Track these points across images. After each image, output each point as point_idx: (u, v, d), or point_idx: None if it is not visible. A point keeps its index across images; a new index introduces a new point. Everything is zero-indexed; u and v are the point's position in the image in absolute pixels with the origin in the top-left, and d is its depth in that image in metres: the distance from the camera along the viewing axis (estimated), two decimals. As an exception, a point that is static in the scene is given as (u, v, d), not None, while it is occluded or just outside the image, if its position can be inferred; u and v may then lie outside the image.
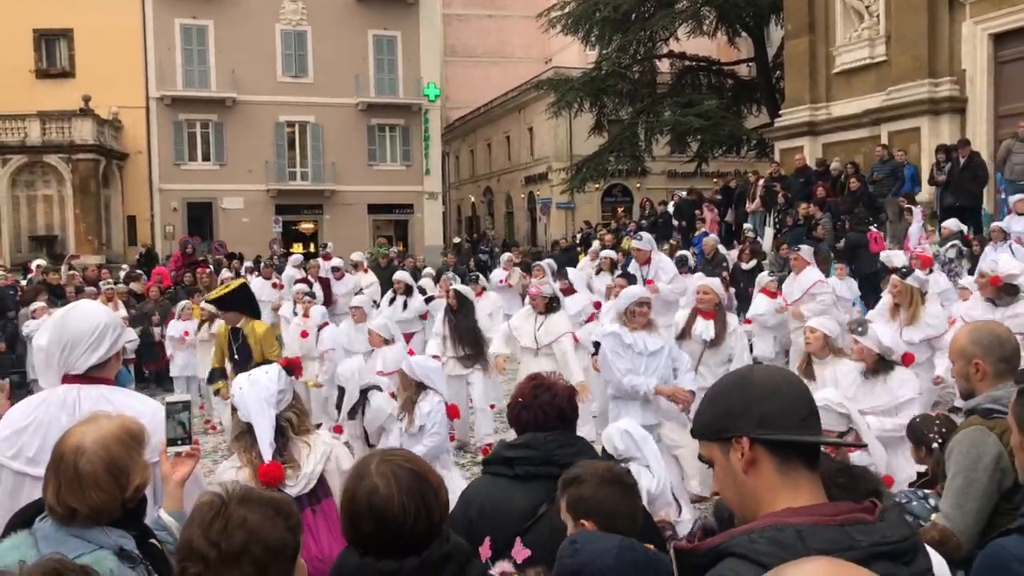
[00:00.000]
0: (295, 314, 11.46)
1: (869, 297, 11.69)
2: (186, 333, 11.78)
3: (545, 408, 3.19)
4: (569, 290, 10.42)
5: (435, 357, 7.37)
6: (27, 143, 29.11)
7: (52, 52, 32.45)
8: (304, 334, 10.27)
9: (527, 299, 9.33)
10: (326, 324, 10.40)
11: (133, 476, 2.31)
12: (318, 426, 5.54)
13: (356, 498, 2.09)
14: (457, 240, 35.22)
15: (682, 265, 11.36)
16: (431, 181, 36.53)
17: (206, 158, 33.89)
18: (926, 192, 16.42)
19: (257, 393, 3.26)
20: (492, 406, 9.20)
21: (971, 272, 10.49)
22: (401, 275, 13.51)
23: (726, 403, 1.70)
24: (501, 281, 14.15)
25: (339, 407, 7.05)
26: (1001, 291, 7.43)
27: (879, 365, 5.56)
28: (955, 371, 3.35)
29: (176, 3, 32.58)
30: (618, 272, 10.84)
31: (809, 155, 20.07)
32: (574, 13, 30.19)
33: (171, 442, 2.69)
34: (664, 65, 31.89)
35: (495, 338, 9.29)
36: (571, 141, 37.52)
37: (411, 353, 8.84)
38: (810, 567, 1.29)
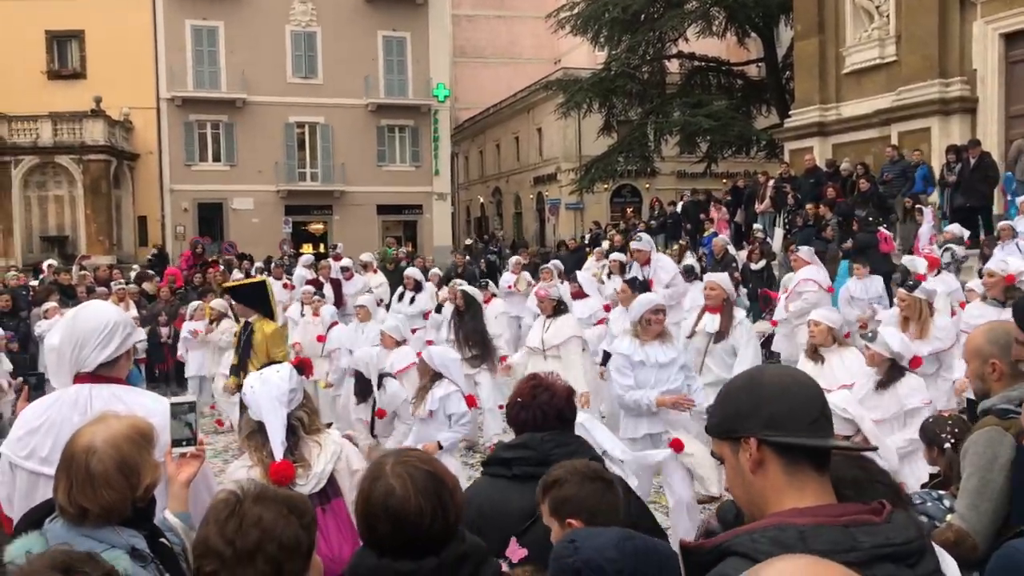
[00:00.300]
0: (302, 315, 11.51)
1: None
2: (196, 332, 11.84)
3: (544, 408, 3.20)
4: (579, 293, 10.43)
5: None
6: (39, 144, 29.24)
7: (64, 53, 32.60)
8: (321, 338, 10.32)
9: (534, 302, 9.36)
10: (335, 324, 10.46)
11: (144, 475, 2.32)
12: (328, 425, 5.57)
13: (372, 499, 2.10)
14: (469, 241, 35.24)
15: (689, 274, 11.34)
16: (440, 182, 36.56)
17: (216, 159, 34.00)
18: (935, 194, 16.34)
19: (269, 392, 3.27)
20: (500, 406, 9.22)
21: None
22: (411, 271, 13.74)
23: (735, 403, 1.71)
24: (510, 287, 14.16)
25: (357, 394, 7.14)
26: (1010, 290, 7.39)
27: (891, 373, 5.52)
28: (970, 371, 3.34)
29: (187, 4, 32.70)
30: (627, 276, 10.81)
31: (819, 156, 20.02)
32: (583, 14, 30.16)
33: (176, 443, 2.70)
34: (673, 65, 31.83)
35: (509, 335, 9.34)
36: (580, 141, 37.49)
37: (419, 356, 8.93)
38: (783, 564, 1.29)
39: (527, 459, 3.01)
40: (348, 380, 8.20)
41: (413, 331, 11.94)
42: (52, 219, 30.05)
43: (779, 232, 17.64)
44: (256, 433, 3.31)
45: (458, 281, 11.92)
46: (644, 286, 9.54)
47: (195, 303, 12.88)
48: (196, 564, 1.93)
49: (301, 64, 34.19)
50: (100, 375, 2.91)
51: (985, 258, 10.80)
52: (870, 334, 5.80)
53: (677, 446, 5.83)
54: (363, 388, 7.15)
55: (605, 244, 19.63)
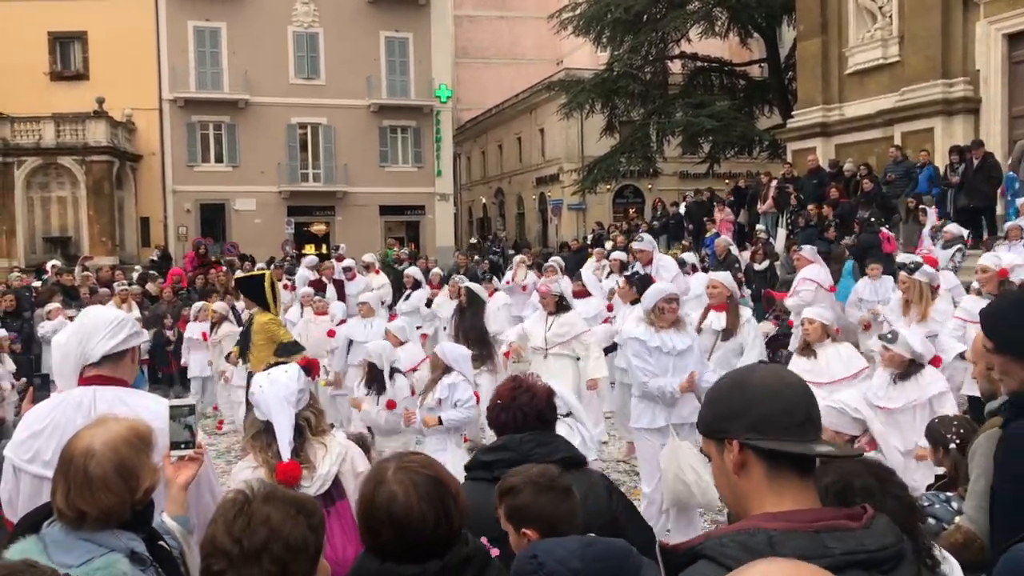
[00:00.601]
0: (302, 316, 11.52)
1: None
2: (204, 335, 11.84)
3: (524, 409, 3.22)
4: (583, 292, 10.42)
5: None
6: (41, 145, 29.28)
7: (66, 55, 32.65)
8: (331, 333, 10.32)
9: (537, 298, 9.34)
10: (343, 321, 10.49)
11: (143, 478, 2.31)
12: (331, 426, 5.56)
13: (375, 506, 2.08)
14: (474, 240, 35.25)
15: (681, 266, 11.37)
16: (442, 182, 36.57)
17: (219, 160, 34.02)
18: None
19: (277, 392, 3.26)
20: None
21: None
22: (412, 271, 13.93)
23: (721, 403, 1.71)
24: (508, 282, 14.19)
25: (368, 386, 7.17)
26: (1004, 284, 7.36)
27: (909, 368, 5.57)
28: (976, 371, 3.32)
29: (189, 5, 32.72)
30: (627, 273, 10.81)
31: (822, 156, 20.00)
32: (586, 14, 30.17)
33: (175, 445, 2.68)
34: (676, 66, 31.83)
35: (510, 330, 9.30)
36: (582, 142, 37.48)
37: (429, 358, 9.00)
38: (762, 567, 1.30)
39: (507, 461, 3.00)
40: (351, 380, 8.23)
41: (423, 336, 12.00)
42: (55, 220, 30.08)
43: (782, 232, 17.63)
44: (262, 433, 3.30)
45: (459, 277, 11.93)
46: (643, 281, 9.52)
47: (199, 304, 12.88)
48: (204, 562, 1.94)
49: (303, 65, 34.21)
50: (104, 376, 2.89)
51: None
52: (889, 335, 5.79)
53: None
54: (374, 380, 7.17)
55: (608, 244, 19.61)
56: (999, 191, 14.88)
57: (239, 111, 33.65)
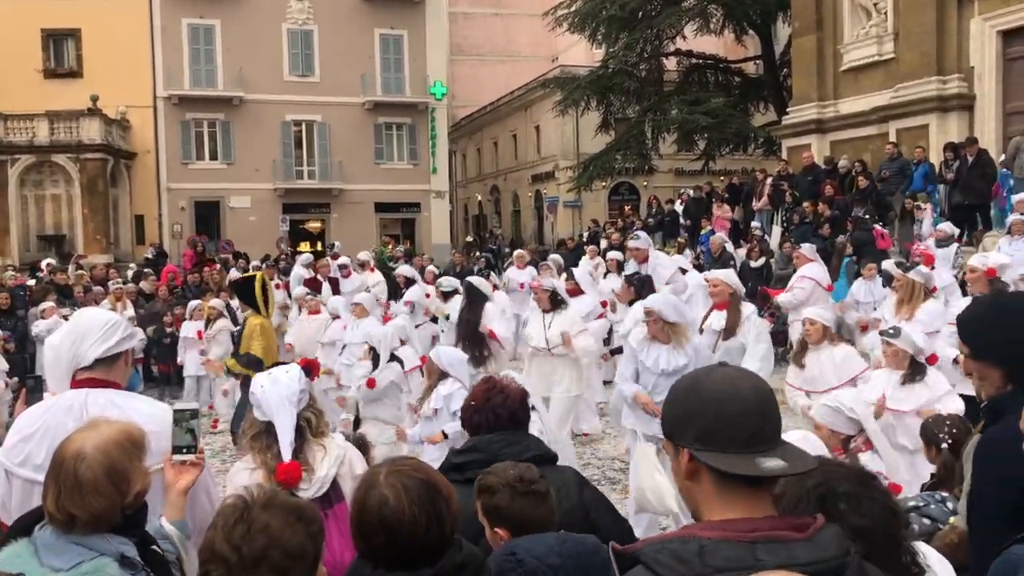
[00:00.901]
0: (299, 315, 11.51)
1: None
2: (199, 333, 11.81)
3: (497, 411, 3.25)
4: (576, 291, 10.39)
5: None
6: (35, 143, 29.20)
7: (60, 52, 32.55)
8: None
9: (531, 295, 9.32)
10: (338, 317, 10.44)
11: (133, 482, 2.30)
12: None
13: (366, 510, 2.08)
14: (470, 238, 35.23)
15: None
16: (438, 180, 36.54)
17: (213, 157, 33.96)
18: (942, 189, 16.32)
19: (279, 392, 3.25)
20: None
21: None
22: (403, 269, 13.87)
23: (676, 406, 1.70)
24: (522, 286, 13.90)
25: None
26: (993, 284, 7.36)
27: (915, 367, 5.61)
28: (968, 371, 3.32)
29: (183, 3, 32.65)
30: (626, 273, 10.77)
31: (817, 153, 20.03)
32: (581, 11, 30.15)
33: (177, 450, 2.66)
34: (671, 63, 31.84)
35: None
36: (578, 139, 37.47)
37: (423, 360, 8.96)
38: None
39: (478, 462, 3.02)
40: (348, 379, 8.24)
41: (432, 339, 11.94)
42: (49, 218, 30.01)
43: (777, 230, 17.66)
44: (262, 434, 3.29)
45: (443, 281, 11.84)
46: (644, 282, 9.49)
47: (194, 302, 12.86)
48: (203, 568, 1.93)
49: (298, 62, 34.15)
50: (97, 379, 2.87)
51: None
52: (891, 331, 5.80)
53: None
54: (374, 364, 7.23)
55: (604, 243, 19.61)
56: (994, 188, 14.90)
57: (234, 108, 33.58)
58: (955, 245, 12.19)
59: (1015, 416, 2.21)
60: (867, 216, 15.43)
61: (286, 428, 3.21)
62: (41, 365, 11.85)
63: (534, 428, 4.00)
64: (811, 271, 10.88)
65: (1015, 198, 12.64)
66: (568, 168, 35.88)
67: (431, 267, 15.55)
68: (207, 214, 33.78)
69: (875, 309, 10.95)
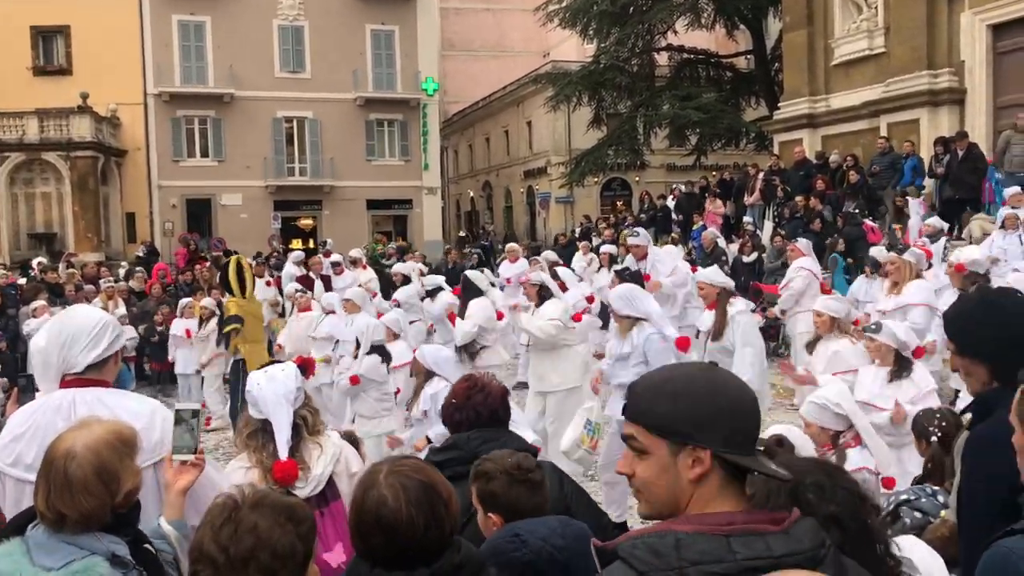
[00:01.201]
0: (291, 313, 11.50)
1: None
2: (188, 332, 11.78)
3: (478, 409, 3.28)
4: (561, 287, 10.39)
5: None
6: (25, 141, 29.03)
7: (49, 49, 32.38)
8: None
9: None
10: (332, 312, 10.41)
11: (124, 482, 2.30)
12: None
13: (364, 509, 2.08)
14: (463, 234, 35.18)
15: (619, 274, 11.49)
16: (430, 176, 36.49)
17: (204, 154, 33.85)
18: (930, 183, 16.38)
19: (276, 389, 3.25)
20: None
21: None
22: (398, 267, 13.86)
23: (693, 407, 1.62)
24: (508, 281, 13.90)
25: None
26: (968, 280, 7.37)
27: (901, 363, 5.58)
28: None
29: (173, -1, 32.55)
30: (616, 267, 10.79)
31: (808, 147, 20.06)
32: (572, 6, 30.13)
33: (177, 450, 2.66)
34: (662, 58, 31.84)
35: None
36: (570, 135, 37.47)
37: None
38: None
39: (458, 459, 3.06)
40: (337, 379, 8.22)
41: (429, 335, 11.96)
42: (39, 216, 29.87)
43: (769, 225, 17.69)
44: (258, 432, 3.29)
45: (426, 279, 11.87)
46: (633, 277, 9.52)
47: (184, 301, 12.83)
48: (191, 568, 1.94)
49: (289, 58, 34.05)
50: (86, 378, 2.87)
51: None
52: (873, 326, 5.82)
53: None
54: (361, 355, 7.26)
55: (596, 239, 19.62)
56: (984, 184, 14.94)
57: (224, 105, 33.47)
58: (944, 239, 12.22)
59: (1004, 412, 2.22)
60: (857, 211, 15.48)
61: (283, 426, 3.21)
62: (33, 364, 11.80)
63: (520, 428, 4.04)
64: (806, 263, 10.85)
65: (1007, 192, 12.62)
66: (560, 164, 35.88)
67: (419, 266, 15.50)
68: (198, 212, 33.69)
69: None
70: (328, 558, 3.07)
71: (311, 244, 32.82)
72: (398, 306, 11.78)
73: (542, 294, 8.23)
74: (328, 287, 14.60)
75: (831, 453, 4.18)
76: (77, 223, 29.32)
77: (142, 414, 2.79)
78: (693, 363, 1.82)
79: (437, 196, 37.42)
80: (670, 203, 22.85)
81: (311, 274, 15.08)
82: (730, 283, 7.72)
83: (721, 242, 15.75)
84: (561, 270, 10.44)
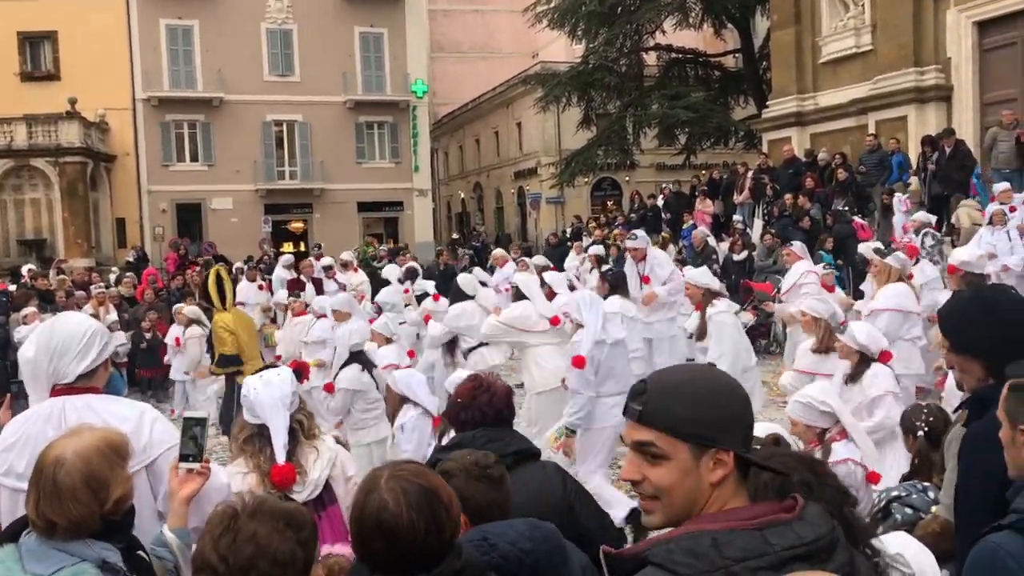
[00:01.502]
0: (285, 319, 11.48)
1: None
2: (177, 339, 11.77)
3: (483, 409, 3.29)
4: (549, 294, 10.38)
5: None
6: (13, 147, 28.91)
7: (36, 55, 32.25)
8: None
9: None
10: (323, 316, 10.38)
11: (113, 489, 2.30)
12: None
13: (365, 514, 2.08)
14: (455, 236, 35.12)
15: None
16: (420, 178, 36.47)
17: (194, 159, 33.76)
18: (915, 180, 16.47)
19: (272, 394, 3.25)
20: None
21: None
22: (388, 270, 13.83)
23: (715, 409, 1.63)
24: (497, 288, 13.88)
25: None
26: (964, 280, 7.41)
27: (859, 366, 5.56)
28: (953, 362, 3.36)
29: (161, 3, 32.40)
30: (605, 267, 10.80)
31: (797, 145, 20.11)
32: (560, 7, 30.14)
33: (183, 458, 2.66)
34: (651, 58, 31.85)
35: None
36: (559, 135, 37.48)
37: (411, 354, 8.96)
38: None
39: None
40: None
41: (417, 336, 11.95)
42: (29, 222, 29.75)
43: (758, 223, 17.74)
44: (254, 437, 3.29)
45: (419, 284, 11.87)
46: (618, 277, 9.55)
47: (177, 306, 12.82)
48: None
49: (278, 62, 33.99)
50: (77, 387, 2.87)
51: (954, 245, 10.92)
52: (842, 326, 5.86)
53: None
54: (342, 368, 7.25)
55: (587, 239, 19.65)
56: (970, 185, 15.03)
57: (214, 109, 33.39)
58: (926, 231, 12.23)
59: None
60: (847, 209, 15.54)
61: (280, 430, 3.22)
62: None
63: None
64: (802, 267, 10.67)
65: (997, 187, 12.67)
66: (550, 164, 35.91)
67: (409, 265, 15.44)
68: (189, 216, 33.58)
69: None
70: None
71: (302, 247, 32.78)
72: (378, 311, 11.77)
73: (517, 296, 8.18)
74: (320, 290, 14.59)
75: (817, 449, 4.22)
76: (67, 229, 29.21)
77: (129, 418, 2.79)
78: (697, 365, 1.84)
79: (428, 198, 37.40)
80: (660, 203, 22.89)
81: (302, 277, 15.05)
82: (714, 284, 7.76)
83: (711, 241, 15.79)
84: (548, 275, 10.40)
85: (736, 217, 18.19)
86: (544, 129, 38.14)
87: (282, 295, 12.17)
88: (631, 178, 35.93)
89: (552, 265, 13.38)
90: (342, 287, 14.51)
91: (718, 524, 1.54)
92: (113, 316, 13.67)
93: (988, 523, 2.19)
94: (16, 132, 28.97)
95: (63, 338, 2.87)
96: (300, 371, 3.59)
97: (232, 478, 3.20)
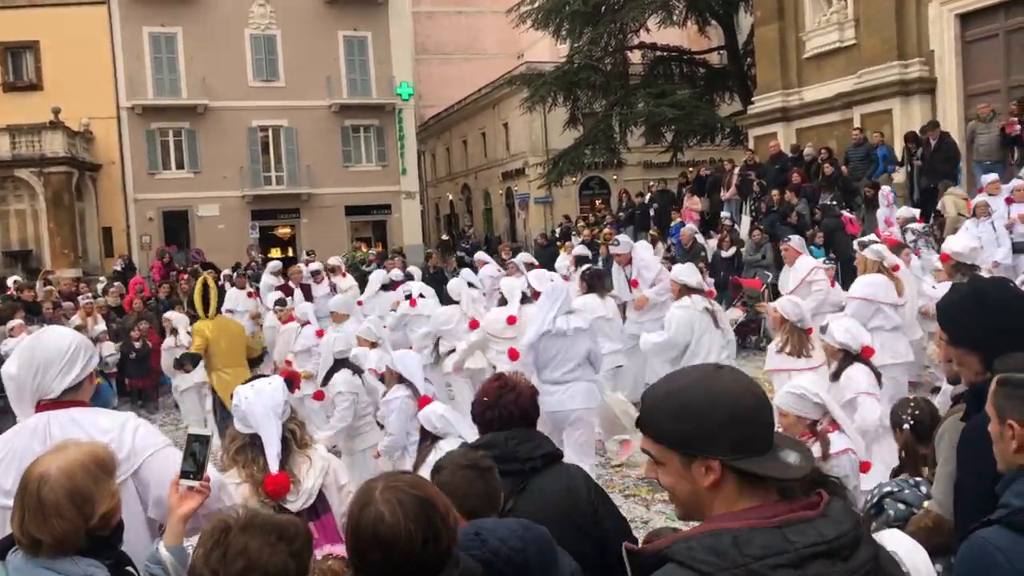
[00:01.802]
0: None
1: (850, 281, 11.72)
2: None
3: (510, 408, 3.30)
4: (535, 294, 10.38)
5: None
6: (-3, 158, 28.78)
7: (19, 65, 32.07)
8: (320, 333, 10.12)
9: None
10: (308, 323, 10.34)
11: (99, 504, 2.28)
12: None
13: (361, 526, 2.07)
14: (445, 237, 35.06)
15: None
16: (408, 180, 36.43)
17: (180, 166, 33.64)
18: (902, 173, 16.53)
19: (264, 403, 3.24)
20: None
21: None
22: (376, 276, 13.83)
23: (694, 419, 1.64)
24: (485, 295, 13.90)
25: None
26: (955, 269, 7.44)
27: (841, 364, 5.60)
28: (943, 355, 3.37)
29: (144, 11, 32.28)
30: (584, 267, 10.73)
31: (783, 141, 20.17)
32: (544, 7, 30.15)
33: (184, 474, 2.64)
34: (636, 56, 31.91)
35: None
36: (546, 135, 37.51)
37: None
38: None
39: (494, 457, 3.05)
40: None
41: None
42: (14, 234, 29.60)
43: (746, 219, 17.78)
44: (246, 447, 3.28)
45: (408, 286, 11.87)
46: (595, 276, 9.59)
47: (167, 315, 12.75)
48: None
49: (262, 67, 33.89)
50: (63, 401, 2.84)
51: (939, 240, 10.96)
52: (825, 325, 5.89)
53: None
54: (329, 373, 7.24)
55: (576, 239, 19.65)
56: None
57: (198, 116, 33.29)
58: (917, 225, 12.29)
59: None
60: (835, 203, 15.59)
61: (272, 439, 3.21)
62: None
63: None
64: (810, 262, 10.52)
65: (984, 179, 12.71)
66: (538, 164, 35.92)
67: (396, 271, 15.42)
68: (176, 224, 33.45)
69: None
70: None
71: (290, 253, 32.71)
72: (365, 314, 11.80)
73: (503, 302, 8.71)
74: (308, 296, 14.54)
75: (811, 441, 4.24)
76: (53, 239, 29.06)
77: (111, 430, 2.76)
78: (697, 369, 1.83)
79: (416, 200, 37.36)
80: (647, 200, 22.91)
81: (290, 283, 15.00)
82: (693, 281, 7.84)
83: (700, 238, 15.82)
84: (532, 275, 10.41)
85: (723, 214, 18.22)
86: (531, 129, 38.16)
87: (272, 298, 12.13)
88: (619, 176, 36.00)
89: (538, 263, 13.37)
90: (333, 289, 14.48)
91: (739, 522, 1.56)
92: (101, 326, 13.61)
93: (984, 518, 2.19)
94: (-1, 143, 28.82)
95: (46, 354, 2.84)
96: (291, 380, 3.58)
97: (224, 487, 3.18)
